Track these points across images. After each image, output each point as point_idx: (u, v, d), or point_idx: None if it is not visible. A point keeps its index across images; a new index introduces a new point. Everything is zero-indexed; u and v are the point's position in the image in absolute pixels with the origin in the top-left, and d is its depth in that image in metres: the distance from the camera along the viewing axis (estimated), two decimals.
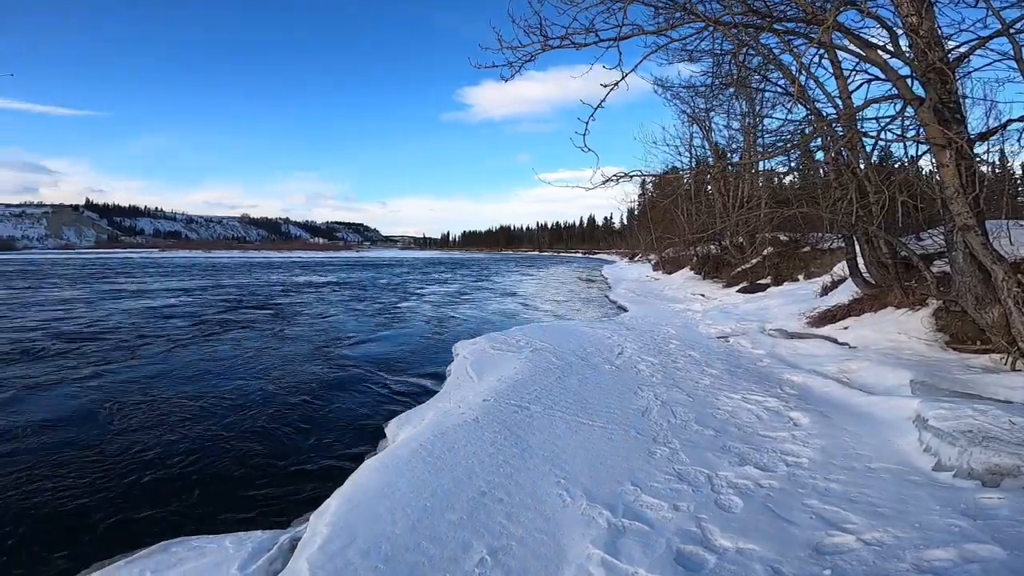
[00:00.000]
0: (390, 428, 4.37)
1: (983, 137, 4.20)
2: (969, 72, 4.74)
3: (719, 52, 5.57)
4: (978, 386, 4.17)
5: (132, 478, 3.90)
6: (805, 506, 2.51)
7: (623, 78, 3.94)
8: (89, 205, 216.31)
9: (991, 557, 1.95)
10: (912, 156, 5.70)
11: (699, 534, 2.31)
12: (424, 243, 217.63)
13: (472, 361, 6.38)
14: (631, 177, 4.44)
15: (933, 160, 4.36)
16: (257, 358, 8.46)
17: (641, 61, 4.03)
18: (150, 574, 2.36)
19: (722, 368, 5.82)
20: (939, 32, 4.09)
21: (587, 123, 4.03)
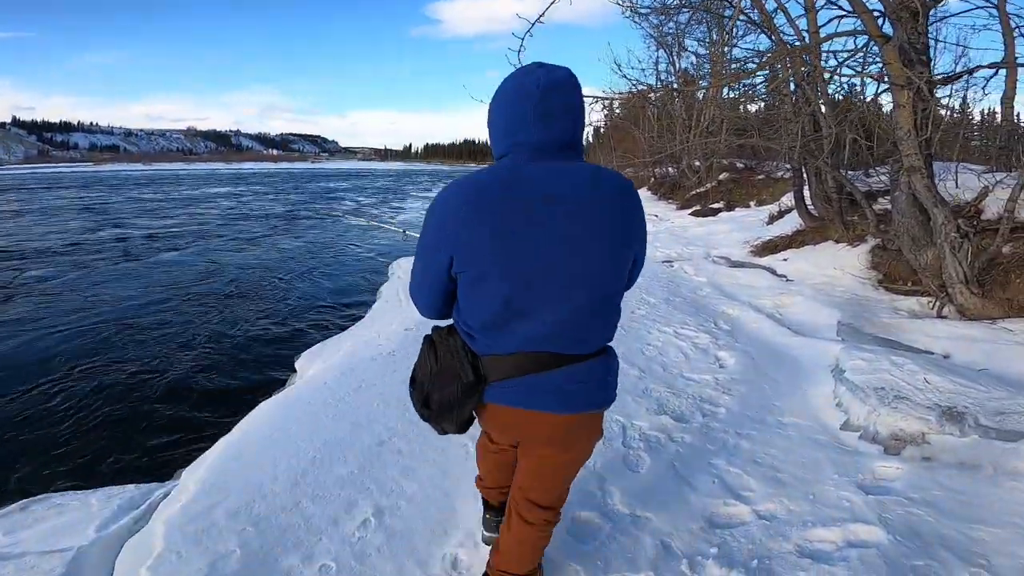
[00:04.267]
0: (301, 361, 4.11)
1: (946, 81, 3.94)
2: (946, 17, 4.38)
3: None
4: (903, 331, 4.20)
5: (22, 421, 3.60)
6: (710, 467, 2.44)
7: None
8: (16, 122, 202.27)
9: (873, 542, 1.90)
10: (873, 94, 5.41)
11: (600, 498, 2.19)
12: (385, 155, 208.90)
13: (406, 282, 6.06)
14: None
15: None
16: (192, 276, 7.94)
17: None
18: (1, 535, 2.10)
19: (661, 296, 5.73)
20: None
21: (522, 39, 3.50)
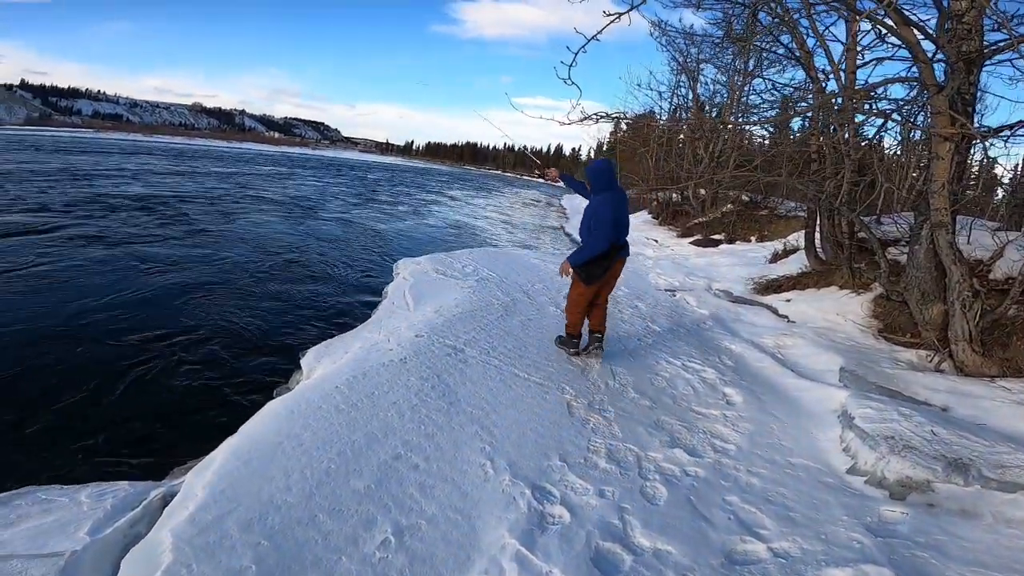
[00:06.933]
0: (307, 359, 4.01)
1: (995, 133, 3.99)
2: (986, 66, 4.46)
3: (735, 2, 5.03)
4: (903, 382, 4.27)
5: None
6: (725, 503, 2.47)
7: (628, 11, 3.46)
8: (24, 85, 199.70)
9: None
10: (898, 143, 5.49)
11: (620, 528, 2.21)
12: (386, 148, 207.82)
13: (411, 284, 6.04)
14: (612, 118, 4.07)
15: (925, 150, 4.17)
16: (190, 261, 7.84)
17: None
18: None
19: (666, 326, 5.78)
20: (982, 22, 3.75)
21: (576, 54, 3.56)
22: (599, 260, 3.81)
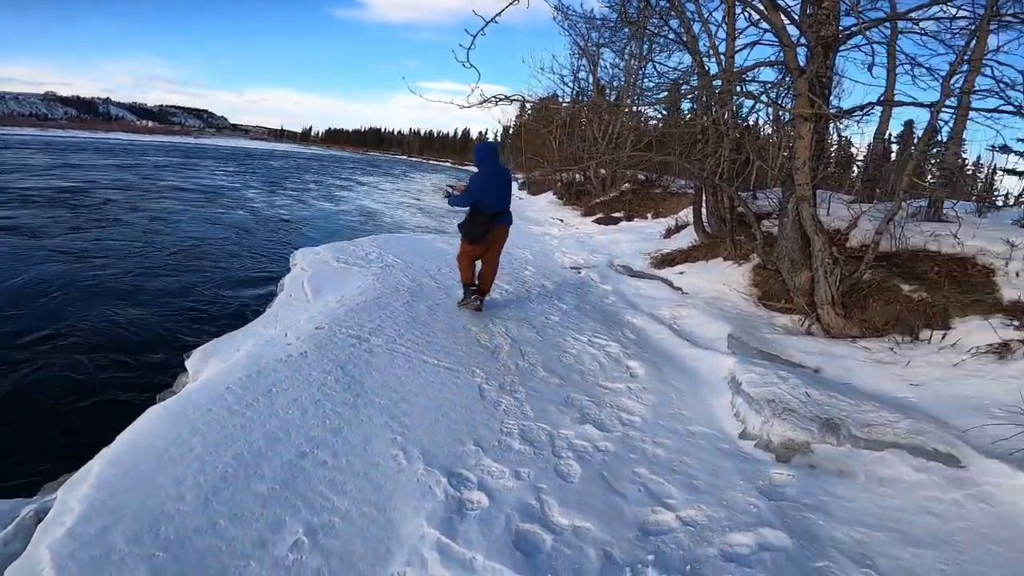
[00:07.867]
0: (193, 360, 3.67)
1: (847, 114, 4.44)
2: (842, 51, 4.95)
3: None
4: (780, 347, 4.72)
5: None
6: (635, 476, 2.58)
7: None
8: None
9: (780, 546, 2.13)
10: (763, 122, 6.00)
11: (538, 509, 2.24)
12: (281, 135, 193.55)
13: (310, 275, 5.70)
14: (511, 100, 4.07)
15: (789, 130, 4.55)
16: (68, 256, 6.86)
17: None
18: None
19: (572, 304, 5.93)
20: (839, 7, 4.13)
21: (474, 37, 3.51)
22: (477, 222, 4.65)
